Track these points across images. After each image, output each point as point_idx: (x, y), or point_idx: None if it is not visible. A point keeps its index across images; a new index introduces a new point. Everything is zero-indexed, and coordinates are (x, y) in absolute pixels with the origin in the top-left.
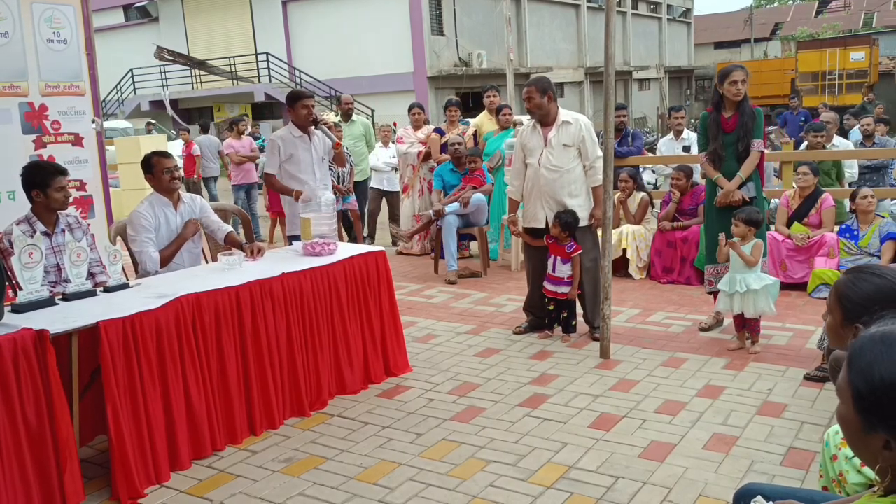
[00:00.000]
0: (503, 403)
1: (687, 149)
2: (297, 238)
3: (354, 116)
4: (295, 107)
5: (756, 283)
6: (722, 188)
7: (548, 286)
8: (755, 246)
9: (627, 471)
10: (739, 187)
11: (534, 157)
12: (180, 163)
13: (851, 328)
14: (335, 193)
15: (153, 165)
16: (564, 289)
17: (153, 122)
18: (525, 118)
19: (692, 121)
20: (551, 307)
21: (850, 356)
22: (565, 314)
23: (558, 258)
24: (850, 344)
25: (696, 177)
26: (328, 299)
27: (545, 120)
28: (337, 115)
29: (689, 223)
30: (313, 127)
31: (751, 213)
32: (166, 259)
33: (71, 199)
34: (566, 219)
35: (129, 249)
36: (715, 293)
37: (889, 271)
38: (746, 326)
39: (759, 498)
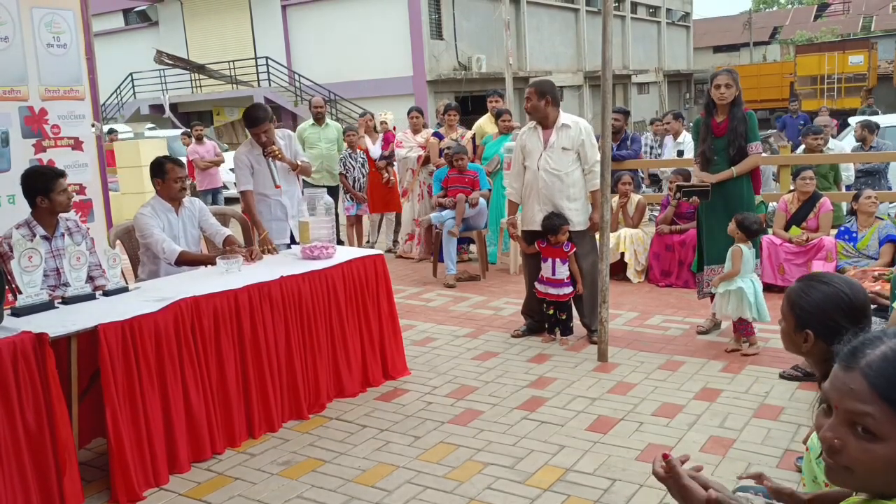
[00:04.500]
0: (501, 406)
1: (681, 153)
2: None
3: (328, 120)
4: (252, 132)
5: (731, 284)
6: (704, 181)
7: (549, 290)
8: (732, 253)
9: (624, 473)
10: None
11: (532, 159)
12: None
13: (803, 334)
14: (352, 199)
15: (167, 172)
16: (566, 290)
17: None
18: (527, 126)
19: (689, 125)
20: (551, 311)
21: (877, 385)
22: (563, 316)
23: (557, 260)
24: (864, 378)
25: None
26: (327, 303)
27: (545, 123)
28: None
29: (687, 227)
30: (263, 156)
31: (748, 218)
32: (184, 261)
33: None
34: (556, 222)
35: (127, 253)
36: (712, 295)
37: (836, 279)
38: (741, 329)
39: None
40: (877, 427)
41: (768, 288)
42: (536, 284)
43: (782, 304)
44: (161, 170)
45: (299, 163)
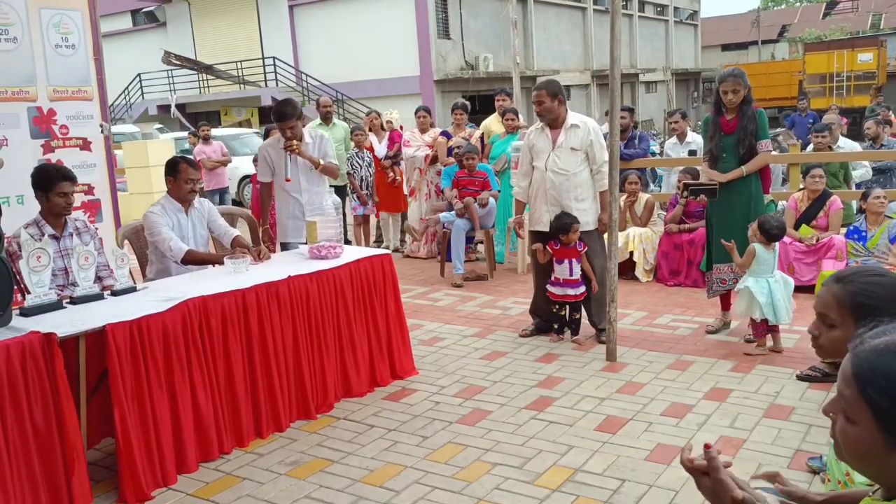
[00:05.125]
0: (509, 406)
1: (693, 153)
2: (287, 245)
3: (335, 120)
4: (278, 126)
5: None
6: (713, 179)
7: (567, 292)
8: (747, 250)
9: (634, 473)
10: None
11: (540, 159)
12: None
13: None
14: (359, 199)
15: (180, 171)
16: (581, 289)
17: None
18: (535, 126)
19: (698, 123)
20: (563, 312)
21: (857, 373)
22: (577, 316)
23: (573, 260)
24: (851, 361)
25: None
26: (334, 302)
27: (553, 123)
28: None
29: (696, 226)
30: (286, 152)
31: (768, 221)
32: (191, 261)
33: (79, 204)
34: (566, 220)
35: (135, 253)
36: (722, 295)
37: (885, 271)
38: (753, 328)
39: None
40: (848, 409)
41: None
42: (551, 288)
43: (832, 310)
44: (174, 168)
45: (321, 162)
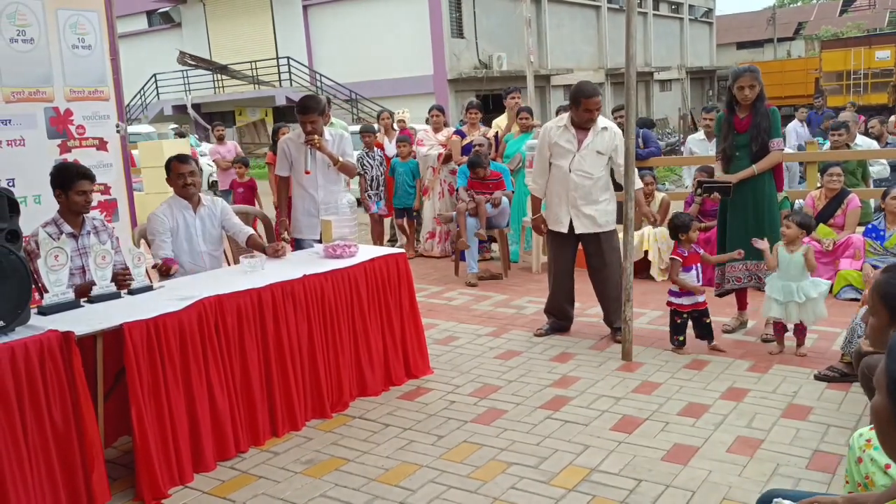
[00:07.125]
0: (524, 405)
1: None
2: (300, 242)
3: (334, 120)
4: (300, 119)
5: (814, 290)
6: (725, 180)
7: (697, 299)
8: (809, 251)
9: (650, 474)
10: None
11: (564, 160)
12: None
13: None
14: (370, 198)
15: (171, 170)
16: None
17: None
18: (557, 123)
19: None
20: (707, 320)
21: (890, 346)
22: (707, 320)
23: (698, 265)
24: (893, 335)
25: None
26: (349, 301)
27: (583, 124)
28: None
29: (712, 224)
30: (306, 145)
31: (805, 216)
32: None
33: (95, 203)
34: (685, 219)
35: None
36: (738, 292)
37: None
38: (797, 332)
39: (780, 500)
40: (876, 380)
41: None
42: (675, 300)
43: (871, 300)
44: (167, 168)
45: (340, 159)
